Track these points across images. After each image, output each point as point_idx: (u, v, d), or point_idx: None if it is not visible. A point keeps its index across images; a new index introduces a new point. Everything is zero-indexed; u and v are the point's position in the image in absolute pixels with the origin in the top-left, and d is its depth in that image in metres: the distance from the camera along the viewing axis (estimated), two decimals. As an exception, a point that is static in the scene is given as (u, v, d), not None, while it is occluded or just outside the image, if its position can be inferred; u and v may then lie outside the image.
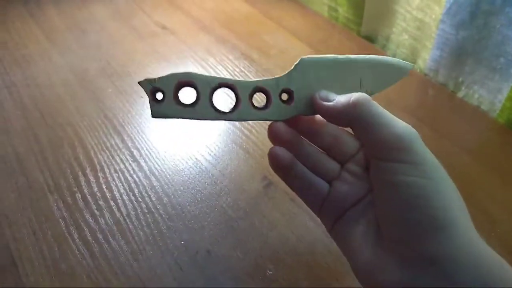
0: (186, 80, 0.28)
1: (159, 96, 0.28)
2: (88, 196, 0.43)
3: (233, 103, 0.30)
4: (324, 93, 0.29)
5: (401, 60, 0.31)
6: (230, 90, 0.30)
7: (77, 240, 0.39)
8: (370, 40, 0.69)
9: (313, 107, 0.29)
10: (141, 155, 0.47)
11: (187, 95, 0.29)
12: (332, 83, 0.30)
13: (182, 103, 0.29)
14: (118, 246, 0.39)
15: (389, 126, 0.25)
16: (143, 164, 0.46)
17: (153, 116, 0.29)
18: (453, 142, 0.51)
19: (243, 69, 0.60)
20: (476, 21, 0.52)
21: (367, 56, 0.30)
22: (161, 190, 0.44)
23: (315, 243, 0.39)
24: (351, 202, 0.30)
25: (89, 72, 0.59)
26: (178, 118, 0.29)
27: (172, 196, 0.43)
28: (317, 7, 0.75)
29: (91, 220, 0.41)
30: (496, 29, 0.51)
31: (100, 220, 0.41)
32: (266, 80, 0.30)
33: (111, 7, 0.74)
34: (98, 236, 0.39)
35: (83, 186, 0.44)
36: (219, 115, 0.29)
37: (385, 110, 0.26)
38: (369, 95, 0.28)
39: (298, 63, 0.30)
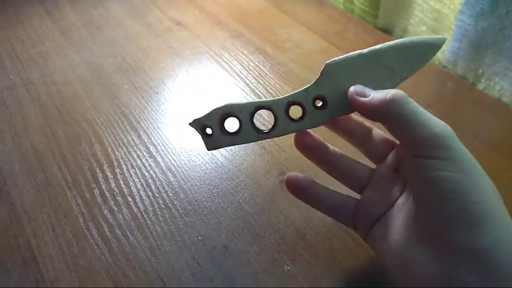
0: (226, 112, 0.31)
1: (209, 131, 0.32)
2: (106, 192, 0.43)
3: (272, 121, 0.32)
4: (360, 87, 0.29)
5: (429, 36, 0.30)
6: (267, 110, 0.31)
7: (95, 236, 0.39)
8: (387, 32, 0.68)
9: (349, 103, 0.29)
10: (157, 151, 0.47)
11: (232, 124, 0.32)
12: (363, 79, 0.29)
13: (229, 132, 0.32)
14: (136, 241, 0.39)
15: (425, 124, 0.25)
16: (159, 160, 0.46)
17: (208, 149, 0.32)
18: (473, 136, 0.50)
19: (257, 64, 0.60)
20: (497, 10, 0.51)
21: (392, 42, 0.30)
22: (177, 185, 0.44)
23: (332, 239, 0.38)
24: (385, 207, 0.30)
25: (105, 69, 0.59)
26: (230, 146, 0.32)
27: (189, 192, 0.43)
28: (332, -1, 0.74)
29: (109, 216, 0.41)
30: (518, 18, 0.49)
31: (118, 216, 0.41)
32: (297, 92, 0.31)
33: (126, 4, 0.74)
34: (116, 232, 0.40)
35: (101, 182, 0.44)
36: (263, 135, 0.32)
37: (421, 108, 0.26)
38: (404, 80, 0.28)
39: (323, 69, 0.30)
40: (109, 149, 0.47)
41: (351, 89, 0.29)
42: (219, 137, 0.31)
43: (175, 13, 0.71)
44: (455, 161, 0.24)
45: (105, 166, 0.46)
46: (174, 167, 0.46)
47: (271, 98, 0.31)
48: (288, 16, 0.71)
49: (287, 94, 0.31)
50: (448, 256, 0.24)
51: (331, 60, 0.30)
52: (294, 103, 0.31)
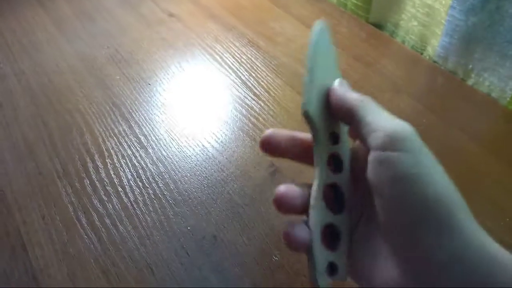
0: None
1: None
2: (96, 182, 0.43)
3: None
4: (342, 82, 0.28)
5: (313, 31, 0.29)
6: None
7: (85, 225, 0.39)
8: (379, 27, 0.68)
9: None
10: (148, 141, 0.48)
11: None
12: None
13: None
14: (126, 231, 0.39)
15: (391, 119, 0.26)
16: (150, 150, 0.46)
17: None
18: (462, 130, 0.50)
19: (250, 56, 0.60)
20: (487, 6, 0.51)
21: (311, 52, 0.28)
22: (168, 176, 0.44)
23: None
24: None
25: (97, 59, 0.59)
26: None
27: (179, 182, 0.43)
28: (325, -7, 0.74)
29: (99, 206, 0.41)
30: (508, 14, 0.50)
31: (108, 206, 0.41)
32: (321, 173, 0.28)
33: (119, -5, 0.74)
34: (106, 221, 0.40)
35: (91, 172, 0.44)
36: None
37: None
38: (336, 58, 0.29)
39: (307, 118, 0.28)
40: (100, 139, 0.48)
41: (336, 82, 0.28)
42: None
43: (169, 5, 0.71)
44: (415, 154, 0.24)
45: (96, 156, 0.46)
46: (165, 157, 0.46)
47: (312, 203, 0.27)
48: (281, 10, 0.71)
49: (316, 182, 0.27)
50: (414, 264, 0.23)
51: (304, 107, 0.27)
52: (331, 185, 0.28)
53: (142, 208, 0.41)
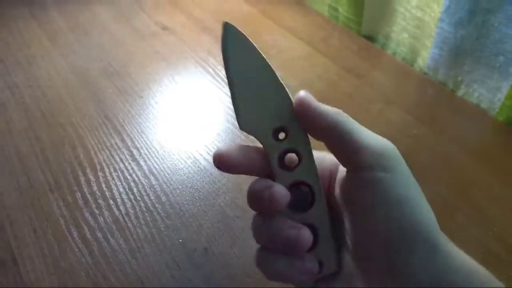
0: None
1: None
2: (88, 195, 0.43)
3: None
4: (307, 92, 0.26)
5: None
6: None
7: (76, 239, 0.39)
8: (370, 39, 0.69)
9: (299, 106, 0.26)
10: (140, 154, 0.48)
11: None
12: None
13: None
14: (117, 244, 0.39)
15: (370, 137, 0.25)
16: (142, 163, 0.47)
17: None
18: (452, 141, 0.51)
19: (242, 69, 0.61)
20: (474, 19, 0.52)
21: (228, 65, 0.27)
22: (159, 189, 0.44)
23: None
24: None
25: (90, 73, 0.60)
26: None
27: (171, 195, 0.43)
28: (317, 6, 0.75)
29: (90, 219, 0.41)
30: (494, 27, 0.51)
31: (99, 219, 0.41)
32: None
33: (113, 8, 0.75)
34: (97, 235, 0.40)
35: (83, 185, 0.44)
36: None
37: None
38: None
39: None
40: (92, 152, 0.48)
41: (302, 93, 0.25)
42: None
43: (162, 18, 0.72)
44: (402, 175, 0.24)
45: (88, 169, 0.46)
46: (157, 170, 0.46)
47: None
48: (274, 22, 0.72)
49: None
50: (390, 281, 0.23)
51: (239, 125, 0.26)
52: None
53: (134, 221, 0.41)
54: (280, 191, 0.25)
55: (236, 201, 0.43)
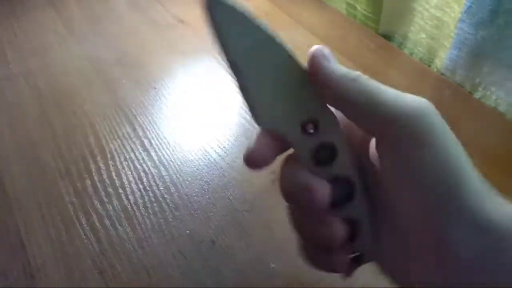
0: None
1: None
2: (98, 183, 0.43)
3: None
4: (322, 50, 0.22)
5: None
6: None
7: (84, 225, 0.40)
8: (388, 38, 0.68)
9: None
10: (151, 144, 0.48)
11: None
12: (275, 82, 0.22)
13: None
14: (125, 232, 0.39)
15: (402, 96, 0.21)
16: (153, 153, 0.47)
17: None
18: (468, 143, 0.49)
19: (257, 64, 0.60)
20: (496, 20, 0.51)
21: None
22: (169, 180, 0.44)
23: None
24: None
25: (105, 62, 0.60)
26: None
27: (180, 186, 0.43)
28: (335, 4, 0.74)
29: (99, 207, 0.41)
30: (517, 29, 0.49)
31: (108, 207, 0.41)
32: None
33: (129, -1, 0.75)
34: (105, 222, 0.40)
35: (93, 173, 0.44)
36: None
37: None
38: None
39: None
40: (104, 141, 0.48)
41: (314, 49, 0.22)
42: None
43: (178, 10, 0.72)
44: (438, 147, 0.21)
45: (99, 158, 0.46)
46: (167, 161, 0.46)
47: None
48: (292, 18, 0.71)
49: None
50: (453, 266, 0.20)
51: (257, 123, 0.23)
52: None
53: (142, 211, 0.41)
54: (322, 192, 0.22)
55: (245, 195, 0.42)
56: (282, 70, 0.22)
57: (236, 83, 0.21)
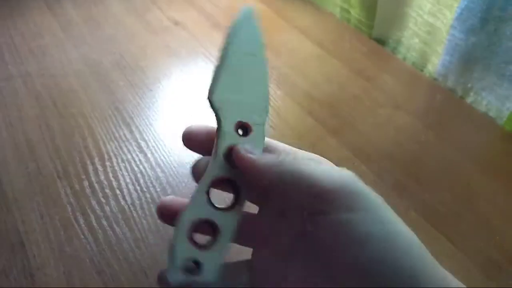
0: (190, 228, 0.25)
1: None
2: (95, 184, 0.44)
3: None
4: (249, 146, 0.25)
5: (238, 16, 0.28)
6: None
7: (82, 226, 0.40)
8: (381, 43, 0.69)
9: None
10: (148, 146, 0.48)
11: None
12: (240, 83, 0.27)
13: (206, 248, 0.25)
14: (122, 233, 0.40)
15: (325, 177, 0.23)
16: (149, 155, 0.47)
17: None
18: (458, 148, 0.51)
19: (252, 67, 0.61)
20: (486, 27, 0.52)
21: (225, 38, 0.27)
22: (165, 181, 0.45)
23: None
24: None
25: (102, 65, 0.61)
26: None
27: (176, 188, 0.44)
28: (330, 8, 0.75)
29: (97, 207, 0.42)
30: (506, 36, 0.51)
31: (105, 208, 0.42)
32: (213, 166, 0.26)
33: (126, 2, 0.75)
34: (103, 223, 0.41)
35: (91, 174, 0.45)
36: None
37: (313, 164, 0.24)
38: (263, 51, 0.28)
39: (214, 105, 0.27)
40: (101, 143, 0.48)
41: (239, 147, 0.25)
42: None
43: (174, 13, 0.73)
44: (367, 211, 0.22)
45: (96, 159, 0.47)
46: (163, 163, 0.47)
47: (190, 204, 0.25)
48: (286, 21, 0.72)
49: (205, 176, 0.26)
50: None
51: (211, 93, 0.27)
52: (220, 180, 0.26)
53: (139, 212, 0.42)
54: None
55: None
56: (253, 79, 0.27)
57: (217, 63, 0.26)
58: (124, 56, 0.62)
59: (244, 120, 0.26)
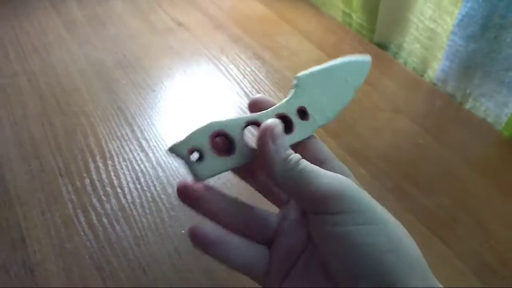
0: (216, 131, 0.27)
1: (195, 156, 0.27)
2: (97, 182, 0.45)
3: None
4: (278, 127, 0.26)
5: (359, 57, 0.33)
6: (255, 126, 0.28)
7: (83, 223, 0.41)
8: (382, 47, 0.70)
9: (325, 112, 0.30)
10: (149, 146, 0.49)
11: (223, 144, 0.28)
12: (328, 90, 0.31)
13: (223, 153, 0.27)
14: (122, 231, 0.40)
15: (321, 179, 0.24)
16: (150, 155, 0.48)
17: (201, 178, 0.27)
18: (457, 153, 0.51)
19: (254, 69, 0.62)
20: (486, 34, 0.53)
21: (343, 59, 0.33)
22: (166, 180, 0.45)
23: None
24: (297, 254, 0.28)
25: (105, 64, 0.61)
26: (224, 171, 0.27)
27: (176, 187, 0.44)
28: (332, 11, 0.76)
29: (97, 205, 0.42)
30: (506, 43, 0.51)
31: (106, 205, 0.42)
32: (281, 105, 0.29)
33: (130, 2, 0.76)
34: (103, 220, 0.41)
35: (92, 172, 0.46)
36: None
37: (315, 166, 0.25)
38: (357, 89, 0.32)
39: (296, 82, 0.31)
40: (103, 141, 0.49)
41: (274, 125, 0.26)
42: (212, 162, 0.26)
43: (178, 14, 0.73)
44: (360, 212, 0.23)
45: (98, 157, 0.47)
46: (164, 162, 0.47)
47: (257, 113, 0.29)
48: (288, 24, 0.73)
49: (272, 108, 0.29)
50: None
51: (301, 73, 0.31)
52: (281, 116, 0.29)
53: (139, 210, 0.42)
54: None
55: (241, 196, 0.44)
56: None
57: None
58: (127, 56, 0.63)
59: (308, 110, 0.30)
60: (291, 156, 0.25)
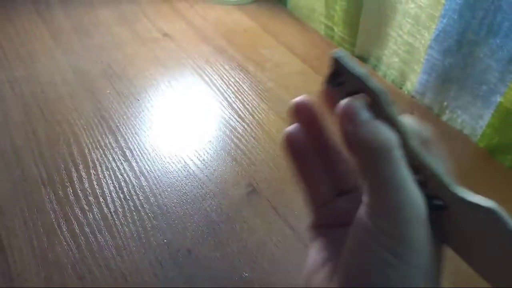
0: None
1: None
2: (79, 191, 0.45)
3: None
4: (361, 104, 0.22)
5: None
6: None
7: (65, 232, 0.41)
8: (363, 60, 0.71)
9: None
10: (132, 155, 0.49)
11: None
12: None
13: None
14: (104, 240, 0.41)
15: (402, 190, 0.20)
16: (134, 164, 0.48)
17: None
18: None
19: (238, 80, 0.63)
20: (461, 49, 0.55)
21: None
22: (149, 190, 0.46)
23: (291, 251, 0.41)
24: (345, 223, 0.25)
25: (90, 73, 0.62)
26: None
27: (159, 196, 0.45)
28: (315, 25, 0.78)
29: (80, 214, 0.43)
30: (480, 58, 0.53)
31: (88, 215, 0.43)
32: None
33: (116, 12, 0.77)
34: (85, 230, 0.41)
35: (75, 182, 0.46)
36: None
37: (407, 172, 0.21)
38: None
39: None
40: (86, 150, 0.49)
41: (346, 101, 0.22)
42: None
43: (163, 25, 0.74)
44: (405, 246, 0.20)
45: (81, 166, 0.47)
46: (147, 172, 0.48)
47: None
48: (272, 37, 0.74)
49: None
50: None
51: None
52: None
53: (122, 219, 0.42)
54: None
55: (222, 207, 0.45)
56: None
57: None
58: (112, 65, 0.63)
59: None
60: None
